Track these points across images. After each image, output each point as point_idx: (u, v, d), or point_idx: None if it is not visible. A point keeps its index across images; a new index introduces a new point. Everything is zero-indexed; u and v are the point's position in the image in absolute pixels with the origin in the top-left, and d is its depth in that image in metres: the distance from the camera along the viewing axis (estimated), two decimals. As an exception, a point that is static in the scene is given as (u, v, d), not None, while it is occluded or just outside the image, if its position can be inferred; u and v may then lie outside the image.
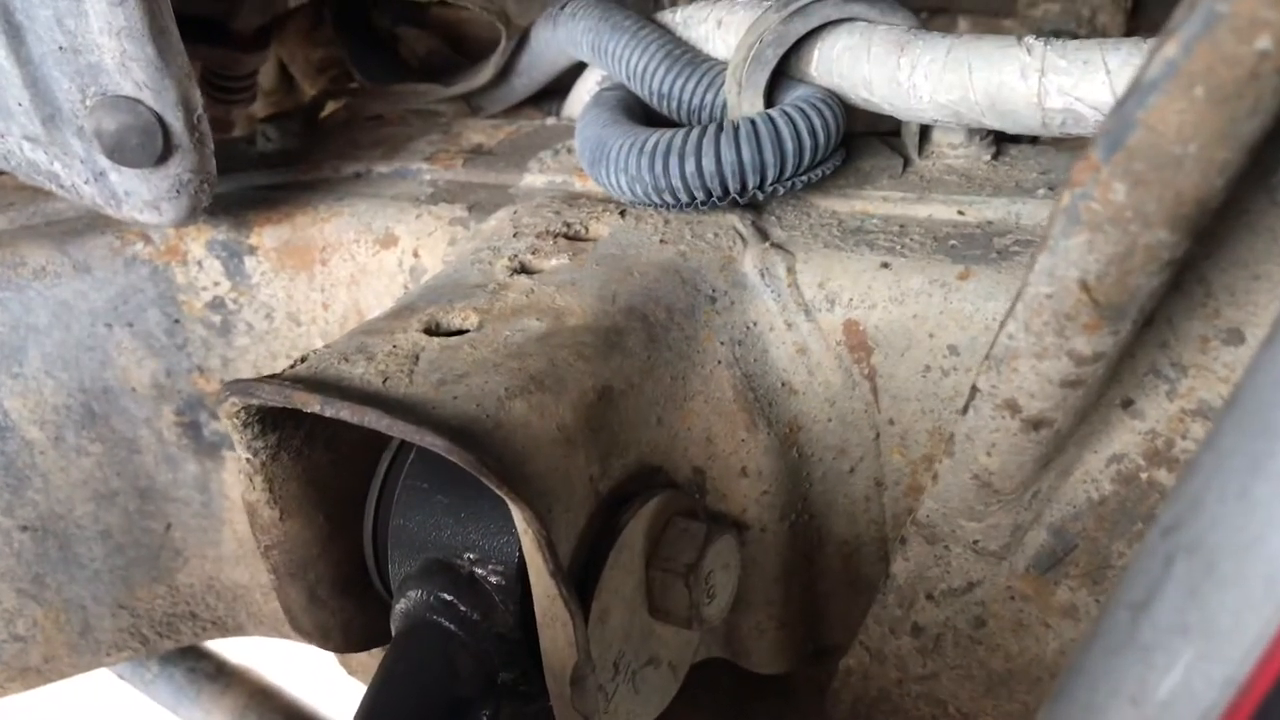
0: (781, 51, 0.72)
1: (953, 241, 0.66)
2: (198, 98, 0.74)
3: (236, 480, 0.91)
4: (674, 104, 0.79)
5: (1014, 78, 0.63)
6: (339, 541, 0.65)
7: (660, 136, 0.68)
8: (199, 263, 0.86)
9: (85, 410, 0.87)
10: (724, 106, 0.76)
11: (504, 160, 0.89)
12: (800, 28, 0.71)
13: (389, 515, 0.62)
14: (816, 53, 0.73)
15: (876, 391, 0.66)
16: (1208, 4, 0.32)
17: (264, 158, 0.97)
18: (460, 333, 0.61)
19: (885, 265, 0.65)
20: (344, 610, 0.67)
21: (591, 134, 0.74)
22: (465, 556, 0.58)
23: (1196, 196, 0.37)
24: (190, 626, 0.99)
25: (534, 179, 0.85)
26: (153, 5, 0.68)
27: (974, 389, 0.50)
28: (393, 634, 0.59)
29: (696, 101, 0.78)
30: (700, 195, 0.68)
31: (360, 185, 0.90)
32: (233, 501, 0.93)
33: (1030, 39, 0.63)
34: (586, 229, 0.73)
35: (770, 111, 0.69)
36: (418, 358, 0.57)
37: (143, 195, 0.76)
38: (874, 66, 0.69)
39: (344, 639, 0.68)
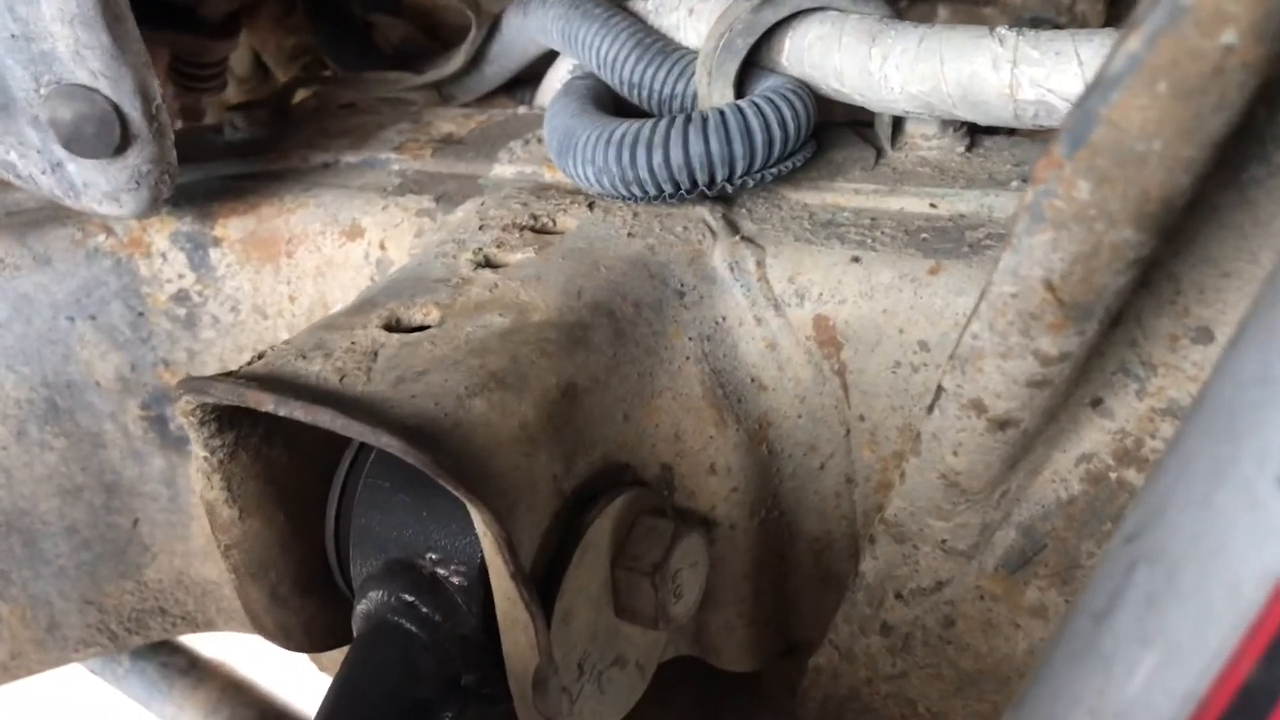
0: (752, 41, 0.71)
1: (924, 235, 0.65)
2: (156, 87, 0.72)
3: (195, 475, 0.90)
4: (645, 93, 0.77)
5: (986, 69, 0.62)
6: (300, 540, 0.64)
7: (628, 128, 0.67)
8: (163, 255, 0.85)
9: (48, 405, 0.86)
10: (695, 96, 0.75)
11: (474, 150, 0.88)
12: (771, 17, 0.70)
13: (350, 515, 0.61)
14: (788, 42, 0.71)
15: (847, 387, 0.65)
16: (1171, -3, 0.31)
17: (231, 147, 0.95)
18: (421, 329, 0.59)
19: (856, 259, 0.64)
20: (306, 610, 0.66)
21: (560, 124, 0.73)
22: (427, 557, 0.57)
23: (1162, 194, 0.36)
24: (159, 622, 0.98)
25: (503, 169, 0.84)
26: (107, -9, 0.66)
27: (940, 388, 0.49)
28: (354, 635, 0.58)
29: (667, 91, 0.76)
30: (668, 188, 0.67)
31: (328, 175, 0.88)
32: (201, 497, 0.91)
33: (1003, 30, 0.62)
34: (554, 221, 0.72)
35: (740, 102, 0.68)
36: (376, 355, 0.56)
37: (101, 186, 0.75)
38: (845, 56, 0.68)
39: (306, 639, 0.67)
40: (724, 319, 0.66)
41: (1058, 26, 0.99)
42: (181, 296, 0.85)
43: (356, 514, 0.60)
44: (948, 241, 0.64)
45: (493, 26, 0.96)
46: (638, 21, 0.80)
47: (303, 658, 1.09)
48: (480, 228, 0.71)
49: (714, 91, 0.71)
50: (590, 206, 0.72)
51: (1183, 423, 0.35)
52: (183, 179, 0.78)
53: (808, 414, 0.66)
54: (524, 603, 0.50)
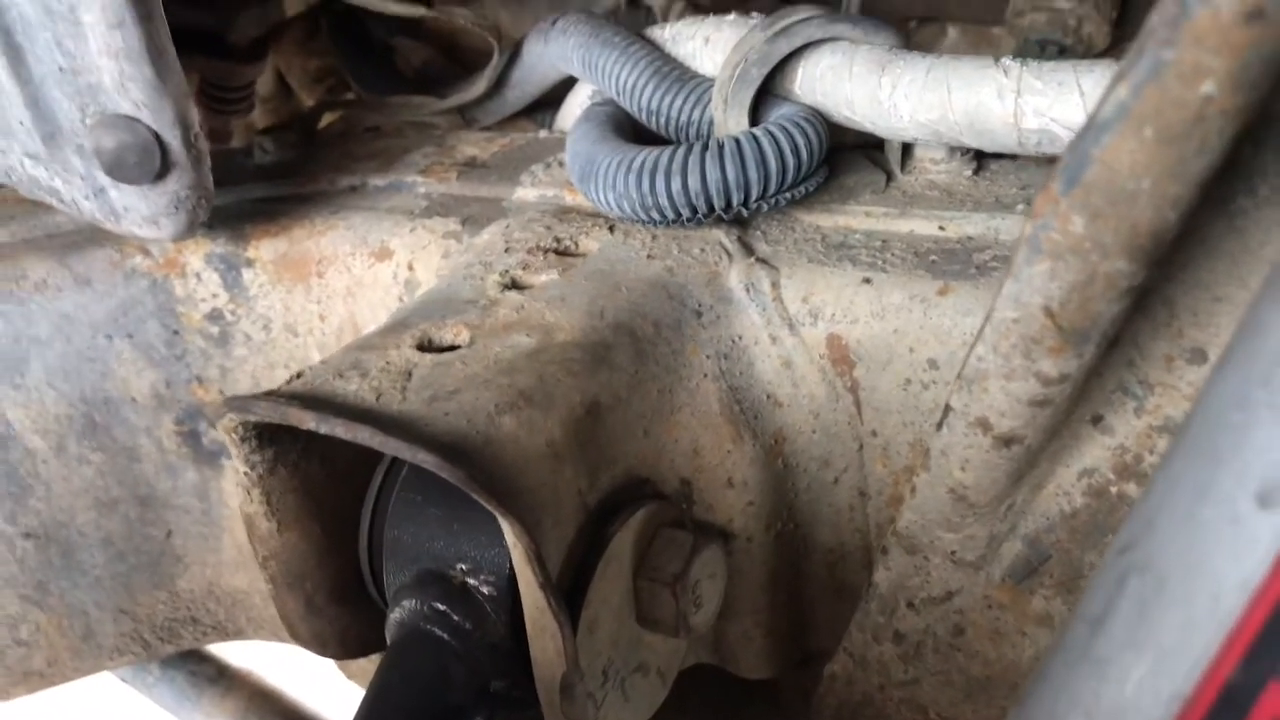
0: (766, 70, 0.73)
1: (933, 257, 0.67)
2: (194, 116, 0.75)
3: (235, 489, 0.93)
4: (662, 120, 0.80)
5: (991, 98, 0.64)
6: (335, 552, 0.67)
7: (648, 155, 0.70)
8: (197, 275, 0.88)
9: (86, 420, 0.89)
10: (711, 123, 0.78)
11: (497, 173, 0.91)
12: (785, 47, 0.73)
13: (384, 527, 0.63)
14: (800, 71, 0.74)
15: (859, 404, 0.67)
16: (1154, 50, 0.33)
17: (261, 170, 0.98)
18: (452, 348, 0.62)
19: (867, 280, 0.66)
20: (340, 619, 0.68)
21: (581, 150, 0.76)
22: (458, 567, 0.59)
23: (1151, 229, 0.38)
24: (191, 631, 1.01)
25: (526, 192, 0.87)
26: (150, 27, 0.70)
27: (947, 407, 0.52)
28: (388, 643, 0.60)
29: (684, 118, 0.79)
30: (686, 212, 0.70)
31: (356, 198, 0.91)
32: (232, 509, 0.94)
33: (1007, 60, 0.65)
34: (576, 244, 0.74)
35: (754, 130, 0.70)
36: (410, 374, 0.58)
37: (141, 211, 0.78)
38: (856, 85, 0.70)
39: (340, 646, 0.69)
40: (740, 338, 0.69)
41: (1065, 48, 1.02)
42: (215, 315, 0.88)
43: (389, 526, 0.63)
44: (956, 263, 0.66)
45: (514, 52, 0.98)
46: (655, 50, 0.83)
47: (328, 666, 1.12)
48: (506, 250, 0.74)
49: (730, 119, 0.74)
50: (611, 229, 0.74)
51: (1172, 442, 0.37)
52: (215, 201, 0.82)
53: (822, 430, 0.69)
54: (552, 611, 0.53)
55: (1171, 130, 0.35)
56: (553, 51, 0.91)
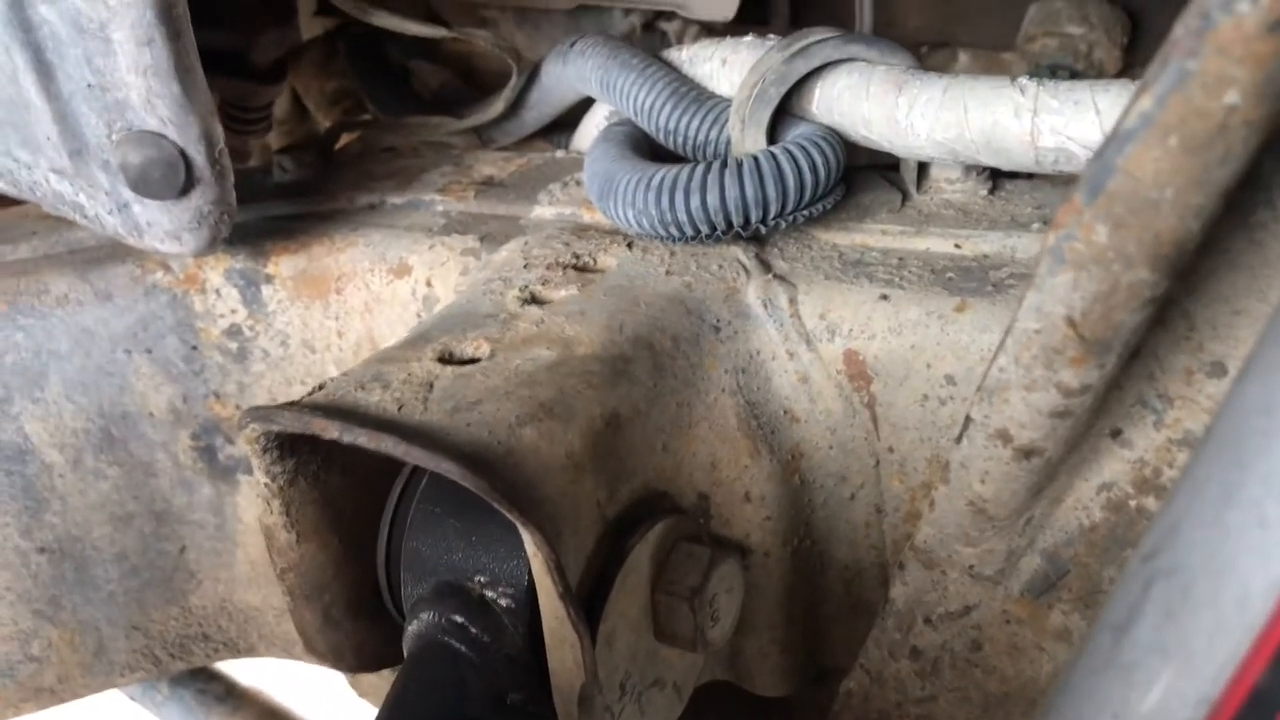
0: (784, 90, 0.74)
1: (950, 274, 0.68)
2: (219, 132, 0.76)
3: (250, 504, 0.93)
4: (680, 140, 0.81)
5: (1008, 117, 0.65)
6: (353, 564, 0.67)
7: (666, 172, 0.71)
8: (217, 291, 0.88)
9: (104, 434, 0.89)
10: (728, 142, 0.78)
11: (514, 192, 0.91)
12: (802, 67, 0.74)
13: (402, 539, 0.64)
14: (818, 91, 0.75)
15: (876, 420, 0.68)
16: (1179, 61, 0.34)
17: (281, 188, 0.99)
18: (473, 361, 0.63)
19: (884, 297, 0.67)
20: (357, 632, 0.69)
21: (600, 169, 0.76)
22: (476, 579, 0.60)
23: (1174, 238, 0.39)
24: (202, 648, 1.01)
25: (544, 211, 0.87)
26: (179, 45, 0.71)
27: (968, 419, 0.52)
28: (405, 655, 0.61)
29: (702, 138, 0.80)
30: (705, 229, 0.71)
31: (374, 216, 0.92)
32: (246, 525, 0.94)
33: (1024, 80, 0.66)
34: (595, 260, 0.75)
35: (773, 149, 0.71)
36: (432, 385, 0.59)
37: (164, 226, 0.79)
38: (873, 105, 0.71)
39: (357, 660, 0.69)
40: (758, 353, 0.69)
41: (1076, 73, 1.03)
42: (233, 331, 0.89)
43: (408, 538, 0.63)
44: (972, 280, 0.67)
45: (532, 74, 1.00)
46: (673, 71, 0.84)
47: (338, 684, 1.11)
48: (525, 266, 0.74)
49: (747, 138, 0.75)
50: (629, 246, 0.75)
51: (1195, 449, 0.37)
52: (236, 219, 0.82)
53: (839, 445, 0.69)
54: (571, 622, 0.53)
55: (1195, 140, 0.35)
56: (571, 73, 0.92)
